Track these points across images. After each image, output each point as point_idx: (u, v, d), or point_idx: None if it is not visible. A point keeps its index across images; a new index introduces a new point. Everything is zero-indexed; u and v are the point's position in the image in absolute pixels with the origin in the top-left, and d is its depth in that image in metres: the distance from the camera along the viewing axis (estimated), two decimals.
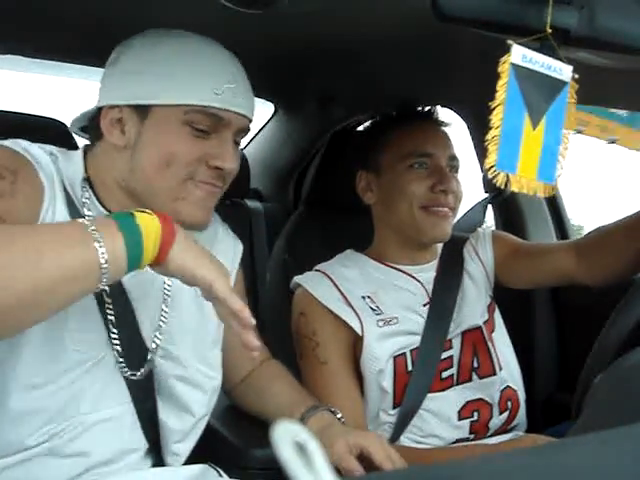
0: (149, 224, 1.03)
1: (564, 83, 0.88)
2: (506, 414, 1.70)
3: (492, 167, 0.87)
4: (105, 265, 0.96)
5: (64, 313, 1.11)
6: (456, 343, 1.69)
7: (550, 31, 0.85)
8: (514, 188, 0.90)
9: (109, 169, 1.25)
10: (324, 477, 0.49)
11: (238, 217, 2.55)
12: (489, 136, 0.87)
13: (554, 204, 2.36)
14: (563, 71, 0.88)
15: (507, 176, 0.88)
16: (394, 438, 1.62)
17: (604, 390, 1.01)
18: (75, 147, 1.37)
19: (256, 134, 2.95)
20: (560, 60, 0.88)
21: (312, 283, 1.72)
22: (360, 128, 1.87)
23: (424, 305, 1.71)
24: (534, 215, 2.32)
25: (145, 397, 1.27)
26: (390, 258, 1.78)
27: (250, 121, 1.28)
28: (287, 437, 0.51)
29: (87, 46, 1.84)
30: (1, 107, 1.82)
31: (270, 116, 2.84)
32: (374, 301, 1.69)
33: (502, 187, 0.89)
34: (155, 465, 1.32)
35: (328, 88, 2.36)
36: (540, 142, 0.88)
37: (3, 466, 1.15)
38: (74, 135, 1.43)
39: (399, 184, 1.70)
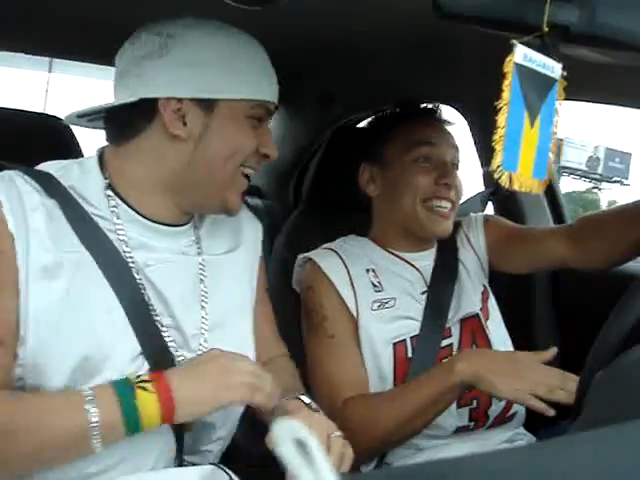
0: (147, 404, 1.09)
1: (554, 80, 0.89)
2: (504, 401, 1.69)
3: (498, 167, 0.87)
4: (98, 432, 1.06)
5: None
6: (455, 331, 1.71)
7: (547, 29, 0.85)
8: (516, 187, 0.90)
9: (150, 165, 1.26)
10: (324, 474, 0.49)
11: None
12: (496, 136, 0.87)
13: (554, 200, 2.36)
14: (555, 69, 0.88)
15: (510, 176, 0.88)
16: None
17: (604, 388, 1.01)
18: (76, 144, 1.38)
19: None
20: (554, 58, 0.88)
21: (321, 257, 1.75)
22: (364, 123, 1.87)
23: (422, 293, 1.74)
24: (533, 209, 2.32)
25: None
26: (389, 244, 1.81)
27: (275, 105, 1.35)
28: (287, 434, 0.51)
29: (88, 44, 1.85)
30: (1, 104, 1.82)
31: None
32: (377, 276, 1.73)
33: (504, 184, 0.89)
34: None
35: (328, 86, 2.36)
36: (536, 140, 0.89)
37: None
38: (74, 132, 1.43)
39: (404, 177, 1.72)
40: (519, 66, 0.85)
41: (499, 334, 1.77)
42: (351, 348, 1.66)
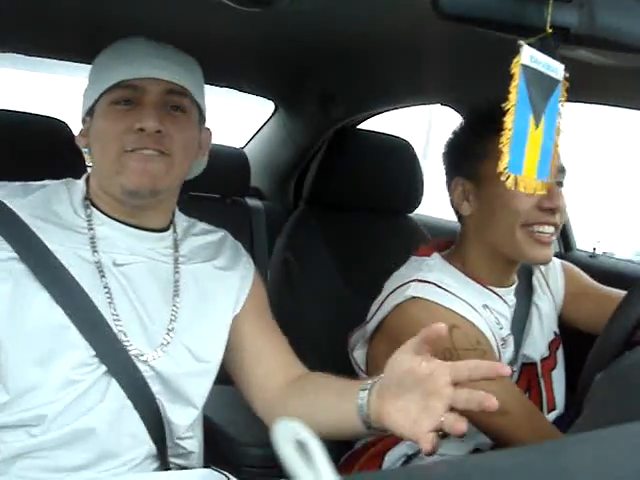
0: None
1: (557, 81, 0.89)
2: None
3: (505, 170, 0.86)
4: None
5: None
6: (515, 375, 1.60)
7: (551, 30, 0.85)
8: (521, 189, 0.89)
9: (93, 174, 1.37)
10: (325, 475, 0.49)
11: (238, 216, 2.55)
12: (503, 138, 0.86)
13: None
14: (558, 70, 0.88)
15: (515, 178, 0.88)
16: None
17: (604, 389, 1.01)
18: (77, 147, 1.41)
19: (256, 133, 2.96)
20: (557, 59, 0.88)
21: (442, 298, 1.51)
22: (455, 129, 1.68)
23: (508, 334, 1.60)
24: None
25: (147, 394, 1.28)
26: (478, 275, 1.60)
27: (176, 84, 1.31)
28: (288, 435, 0.51)
29: (88, 44, 1.84)
30: (2, 106, 1.82)
31: (270, 114, 2.84)
32: (492, 313, 1.56)
33: (510, 187, 0.89)
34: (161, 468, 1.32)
35: (328, 86, 2.36)
36: (540, 141, 0.88)
37: (18, 453, 1.21)
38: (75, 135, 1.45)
39: (502, 199, 1.51)
40: (525, 67, 0.85)
41: (559, 387, 1.67)
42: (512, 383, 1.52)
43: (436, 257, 1.62)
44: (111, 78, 1.29)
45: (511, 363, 1.58)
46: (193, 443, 1.37)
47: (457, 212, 1.65)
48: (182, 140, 1.31)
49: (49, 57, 2.13)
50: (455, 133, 1.67)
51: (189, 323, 1.34)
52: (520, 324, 1.64)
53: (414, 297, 1.51)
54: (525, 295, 1.68)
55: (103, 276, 1.28)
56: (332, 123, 2.52)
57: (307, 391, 1.34)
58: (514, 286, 1.64)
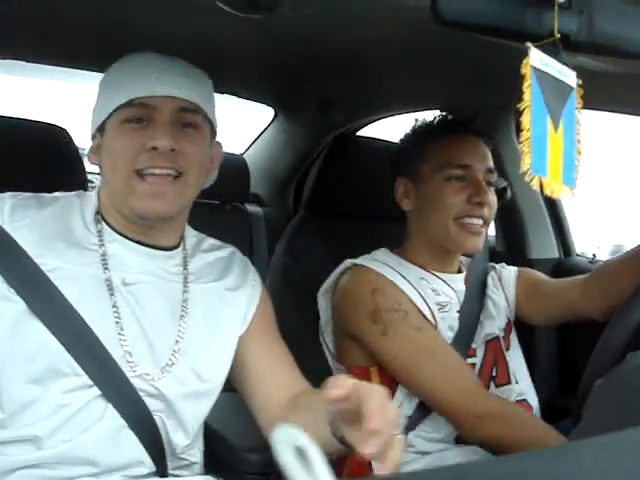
0: None
1: (572, 88, 0.88)
2: None
3: (528, 170, 0.86)
4: None
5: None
6: (479, 352, 1.73)
7: (559, 36, 0.85)
8: (547, 192, 0.89)
9: (104, 190, 1.36)
10: None
11: (238, 222, 2.55)
12: (522, 138, 0.86)
13: (554, 209, 2.36)
14: (570, 76, 0.88)
15: (540, 180, 0.87)
16: (408, 428, 1.64)
17: (605, 394, 1.01)
18: (77, 154, 1.43)
19: (256, 139, 2.96)
20: (566, 65, 0.88)
21: (370, 261, 1.73)
22: (401, 137, 1.88)
23: (457, 311, 1.75)
24: (534, 220, 2.32)
25: (146, 416, 1.28)
26: (422, 263, 1.79)
27: (189, 101, 1.30)
28: (287, 442, 0.51)
29: (89, 51, 1.85)
30: (2, 112, 1.82)
31: (270, 121, 2.84)
32: (429, 283, 1.74)
33: (535, 188, 0.88)
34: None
35: (328, 93, 2.36)
36: (561, 146, 0.88)
37: (17, 466, 1.21)
38: (75, 142, 1.45)
39: (436, 195, 1.73)
40: (536, 69, 0.85)
41: (517, 364, 1.80)
42: (440, 337, 1.66)
43: (383, 249, 1.82)
44: (123, 96, 1.28)
45: (466, 342, 1.71)
46: (194, 453, 1.37)
47: (401, 208, 1.83)
48: (195, 158, 1.30)
49: (50, 64, 2.13)
50: (400, 140, 1.89)
51: (195, 344, 1.34)
52: (476, 307, 1.79)
53: (353, 264, 1.73)
54: (480, 287, 1.84)
55: (112, 294, 1.27)
56: (332, 129, 2.52)
57: (303, 408, 1.32)
58: (461, 275, 1.83)
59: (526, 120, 0.85)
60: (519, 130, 0.86)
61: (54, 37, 1.81)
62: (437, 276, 1.78)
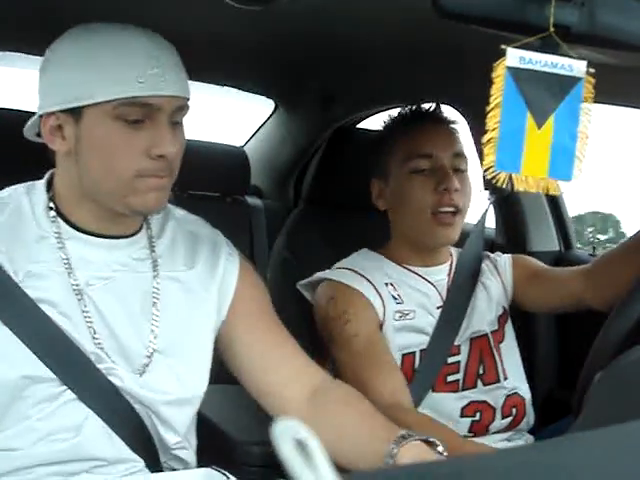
0: None
1: (576, 79, 0.88)
2: (509, 419, 1.70)
3: (490, 168, 0.87)
4: None
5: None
6: (464, 349, 1.71)
7: (553, 29, 0.85)
8: (519, 187, 0.89)
9: (66, 180, 1.24)
10: (324, 475, 0.49)
11: (238, 214, 2.55)
12: (484, 139, 0.87)
13: (554, 202, 2.36)
14: (574, 67, 0.88)
15: (510, 176, 0.88)
16: None
17: (604, 387, 1.01)
18: None
19: (256, 131, 2.95)
20: (567, 57, 0.87)
21: (337, 274, 1.72)
22: (365, 131, 1.86)
23: (437, 307, 1.72)
24: (535, 213, 2.32)
25: (129, 418, 1.23)
26: (404, 260, 1.77)
27: (186, 99, 1.23)
28: (287, 435, 0.51)
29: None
30: (3, 104, 1.81)
31: (270, 113, 2.84)
32: (395, 289, 1.70)
33: (503, 186, 0.89)
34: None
35: (328, 85, 2.36)
36: (549, 140, 0.88)
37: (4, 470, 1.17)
38: None
39: (403, 190, 1.71)
40: (514, 70, 0.85)
41: (510, 358, 1.78)
42: (377, 344, 1.64)
43: (364, 250, 1.82)
44: (121, 89, 1.14)
45: (448, 339, 1.69)
46: (188, 454, 1.32)
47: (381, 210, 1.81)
48: (180, 156, 1.24)
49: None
50: (371, 139, 1.88)
51: (171, 340, 1.27)
52: (463, 300, 1.75)
53: (324, 278, 1.73)
54: (471, 277, 1.80)
55: (80, 298, 1.20)
56: (332, 122, 2.51)
57: (337, 415, 1.27)
58: (444, 266, 1.79)
59: (491, 121, 0.86)
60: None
61: (52, 29, 1.80)
62: (414, 272, 1.76)
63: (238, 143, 2.96)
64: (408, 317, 1.68)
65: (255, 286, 1.40)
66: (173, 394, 1.26)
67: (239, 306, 1.35)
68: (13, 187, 1.28)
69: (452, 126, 1.78)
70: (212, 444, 1.47)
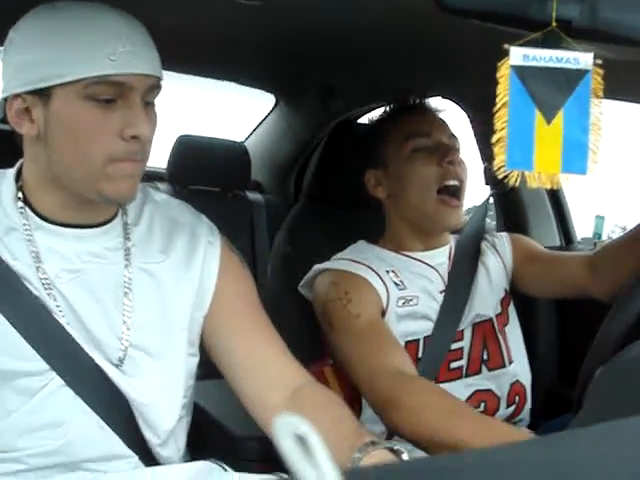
0: None
1: (584, 72, 0.88)
2: (513, 407, 1.71)
3: (502, 167, 0.87)
4: None
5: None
6: (467, 334, 1.70)
7: (555, 24, 0.84)
8: (532, 184, 0.89)
9: (34, 167, 1.19)
10: (325, 469, 0.49)
11: (239, 209, 2.55)
12: (494, 139, 0.87)
13: (556, 197, 2.36)
14: (580, 60, 0.88)
15: (522, 174, 0.88)
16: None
17: (605, 382, 1.01)
18: None
19: (257, 126, 2.95)
20: (572, 50, 0.87)
21: (337, 263, 1.71)
22: (361, 125, 1.87)
23: (440, 292, 1.71)
24: (535, 209, 2.32)
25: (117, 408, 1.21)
26: (404, 247, 1.77)
27: (158, 78, 1.17)
28: (288, 430, 0.51)
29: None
30: None
31: (271, 108, 2.84)
32: (397, 276, 1.69)
33: (516, 184, 0.89)
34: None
35: (329, 80, 2.35)
36: (559, 135, 0.88)
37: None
38: None
39: (406, 170, 1.70)
40: (519, 68, 0.85)
41: (515, 342, 1.77)
42: (378, 325, 1.60)
43: (360, 242, 1.81)
44: (92, 68, 1.09)
45: (453, 323, 1.67)
46: (171, 453, 1.27)
47: (377, 200, 1.81)
48: (152, 139, 1.18)
49: None
50: (361, 134, 1.87)
51: (145, 334, 1.22)
52: (465, 284, 1.74)
53: (324, 268, 1.71)
54: (472, 258, 1.79)
55: (50, 293, 1.16)
56: (332, 117, 2.51)
57: (308, 420, 1.23)
58: (443, 249, 1.78)
59: (500, 121, 0.86)
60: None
61: None
62: (414, 258, 1.75)
63: (239, 138, 2.96)
64: (412, 303, 1.66)
65: (239, 280, 1.34)
66: (147, 396, 1.21)
67: (222, 303, 1.29)
68: None
69: (443, 114, 1.80)
70: (212, 439, 1.47)
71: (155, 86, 1.16)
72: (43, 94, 1.11)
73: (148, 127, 1.13)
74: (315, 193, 2.23)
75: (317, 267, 1.74)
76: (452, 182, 1.67)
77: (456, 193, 1.67)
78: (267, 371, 1.26)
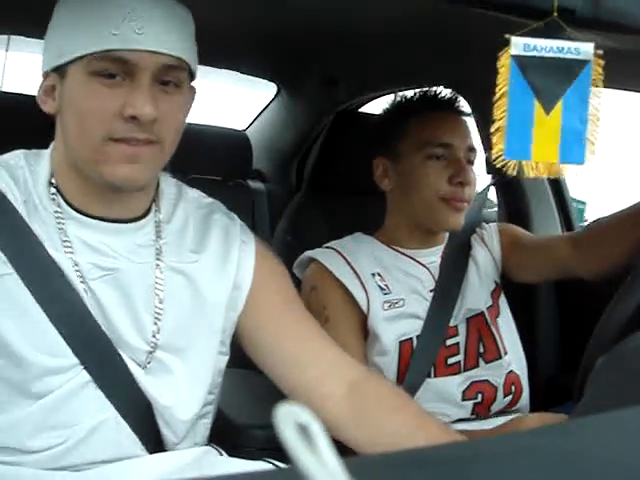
0: None
1: (584, 62, 0.88)
2: (509, 397, 1.71)
3: (500, 156, 0.87)
4: None
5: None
6: (462, 330, 1.71)
7: (557, 14, 0.84)
8: (529, 174, 0.89)
9: (58, 147, 1.18)
10: (327, 458, 0.49)
11: (240, 198, 2.55)
12: (492, 128, 0.87)
13: (557, 187, 2.36)
14: (581, 50, 0.87)
15: (520, 163, 0.88)
16: None
17: (605, 373, 1.01)
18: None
19: (259, 115, 2.95)
20: (573, 40, 0.87)
21: (325, 256, 1.71)
22: (380, 112, 1.86)
23: (430, 291, 1.72)
24: (537, 197, 2.31)
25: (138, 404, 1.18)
26: (398, 242, 1.77)
27: (175, 57, 1.11)
28: (289, 418, 0.51)
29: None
30: (7, 89, 1.81)
31: (273, 97, 2.83)
32: (383, 279, 1.69)
33: (513, 173, 0.89)
34: None
35: (330, 69, 2.35)
36: (558, 125, 0.88)
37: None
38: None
39: (417, 174, 1.69)
40: (519, 57, 0.85)
41: (508, 333, 1.78)
42: (345, 331, 1.62)
43: (358, 234, 1.81)
44: (92, 43, 1.06)
45: (443, 320, 1.68)
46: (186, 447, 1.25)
47: (379, 189, 1.80)
48: (175, 124, 1.14)
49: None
50: (379, 117, 1.88)
51: (174, 337, 1.19)
52: (456, 280, 1.75)
53: (311, 258, 1.72)
54: (462, 253, 1.80)
55: (84, 288, 1.13)
56: (334, 106, 2.51)
57: (385, 419, 1.19)
58: (436, 248, 1.78)
59: (498, 111, 0.86)
60: None
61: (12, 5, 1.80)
62: (407, 254, 1.75)
63: (240, 127, 2.95)
64: (397, 305, 1.67)
65: (277, 276, 1.32)
66: (171, 397, 1.19)
67: (261, 299, 1.26)
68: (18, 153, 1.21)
69: (467, 118, 1.78)
70: (213, 426, 1.47)
71: (173, 66, 1.10)
72: (61, 71, 1.11)
73: (151, 108, 1.06)
74: (317, 182, 2.23)
75: (307, 254, 1.75)
76: (458, 204, 1.67)
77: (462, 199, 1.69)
78: (319, 363, 1.25)
